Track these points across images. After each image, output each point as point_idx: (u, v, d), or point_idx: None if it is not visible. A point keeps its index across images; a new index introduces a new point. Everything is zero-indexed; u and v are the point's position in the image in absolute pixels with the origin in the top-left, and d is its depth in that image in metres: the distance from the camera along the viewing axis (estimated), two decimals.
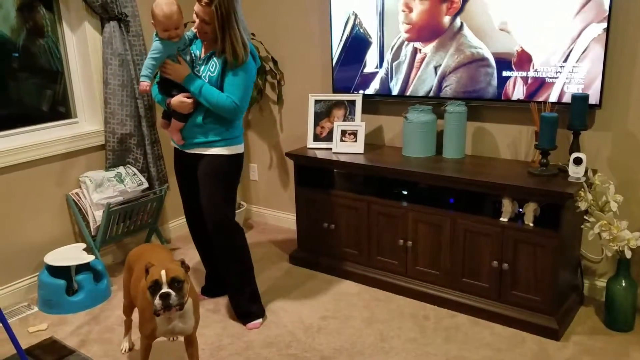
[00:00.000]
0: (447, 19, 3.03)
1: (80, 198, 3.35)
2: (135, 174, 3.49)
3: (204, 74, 2.70)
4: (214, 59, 2.68)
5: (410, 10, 3.15)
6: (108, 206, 3.24)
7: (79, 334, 2.86)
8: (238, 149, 2.82)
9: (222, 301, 3.09)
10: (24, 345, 2.70)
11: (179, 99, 2.68)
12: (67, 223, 3.41)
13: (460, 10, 2.98)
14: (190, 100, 2.68)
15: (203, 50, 2.74)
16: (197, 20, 2.61)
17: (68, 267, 3.09)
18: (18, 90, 3.36)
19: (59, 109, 3.50)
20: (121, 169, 3.48)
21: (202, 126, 2.73)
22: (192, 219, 3.05)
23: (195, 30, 2.71)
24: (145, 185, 3.52)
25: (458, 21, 3.00)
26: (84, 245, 3.30)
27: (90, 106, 3.53)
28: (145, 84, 2.64)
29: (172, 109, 2.72)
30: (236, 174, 2.88)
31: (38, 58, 3.38)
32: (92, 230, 3.36)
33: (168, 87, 2.71)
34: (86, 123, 3.55)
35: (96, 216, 3.31)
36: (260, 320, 2.91)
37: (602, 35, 2.66)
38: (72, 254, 3.17)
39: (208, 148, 2.77)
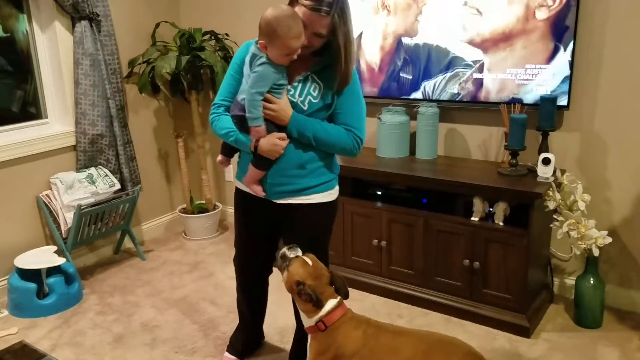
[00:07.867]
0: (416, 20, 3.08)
1: (51, 200, 3.30)
2: (107, 175, 3.45)
3: (301, 99, 2.07)
4: (314, 78, 2.09)
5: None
6: (79, 208, 3.19)
7: (50, 337, 2.82)
8: (337, 190, 2.26)
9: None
10: None
11: (272, 141, 2.01)
12: (38, 225, 3.35)
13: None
14: (286, 142, 2.04)
15: (290, 69, 2.08)
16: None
17: (39, 270, 3.04)
18: None
19: (29, 109, 3.44)
20: (92, 170, 3.43)
21: (305, 167, 2.11)
22: (249, 265, 2.46)
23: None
24: (118, 186, 3.48)
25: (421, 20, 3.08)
26: (54, 248, 3.24)
27: (61, 107, 3.48)
28: (262, 128, 1.99)
29: (258, 154, 2.04)
30: (333, 224, 2.32)
31: (7, 58, 3.33)
32: (63, 232, 3.31)
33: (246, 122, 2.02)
34: (57, 124, 3.50)
35: (67, 218, 3.27)
36: None
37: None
38: (43, 257, 3.12)
39: (308, 196, 2.16)
